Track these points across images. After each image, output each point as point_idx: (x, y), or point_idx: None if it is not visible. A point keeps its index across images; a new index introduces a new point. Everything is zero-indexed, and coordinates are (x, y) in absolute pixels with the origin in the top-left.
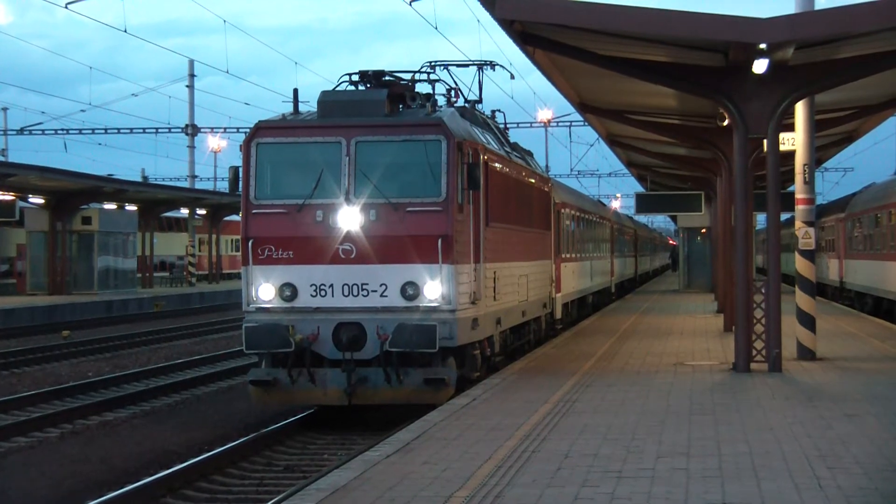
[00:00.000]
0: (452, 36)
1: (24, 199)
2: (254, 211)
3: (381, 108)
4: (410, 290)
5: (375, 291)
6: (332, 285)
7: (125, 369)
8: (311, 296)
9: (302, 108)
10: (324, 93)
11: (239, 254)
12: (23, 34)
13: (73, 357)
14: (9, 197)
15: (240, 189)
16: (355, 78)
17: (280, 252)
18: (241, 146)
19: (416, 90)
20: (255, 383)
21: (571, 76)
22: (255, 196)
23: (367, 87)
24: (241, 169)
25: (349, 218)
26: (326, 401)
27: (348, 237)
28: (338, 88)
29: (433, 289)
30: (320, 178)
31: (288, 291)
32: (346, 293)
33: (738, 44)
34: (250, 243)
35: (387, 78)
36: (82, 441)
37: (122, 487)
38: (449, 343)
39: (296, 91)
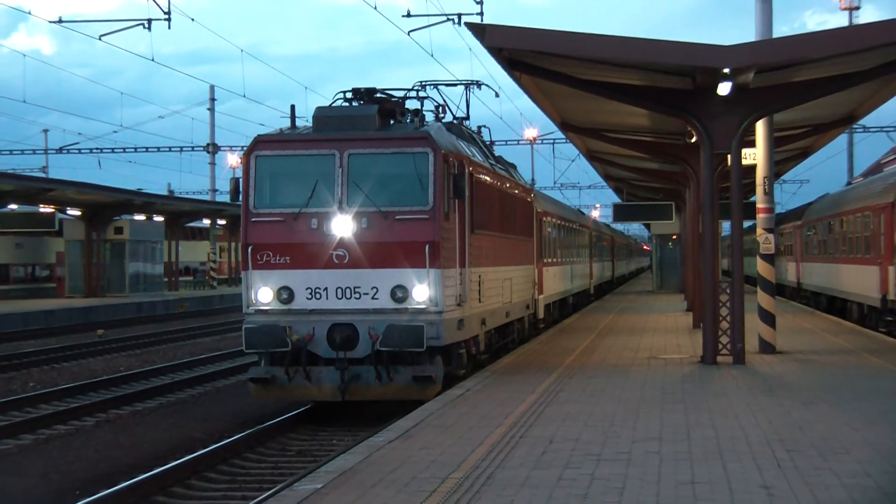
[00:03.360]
0: (447, 62)
1: (63, 212)
2: (253, 219)
3: (372, 122)
4: (400, 293)
5: (367, 294)
6: (326, 289)
7: (153, 364)
8: (307, 298)
9: (299, 123)
10: (318, 108)
11: None
12: (65, 63)
13: (106, 353)
14: (49, 209)
15: (240, 199)
16: (349, 95)
17: (277, 257)
18: (240, 158)
19: (407, 107)
20: (255, 380)
21: (554, 98)
22: (254, 205)
23: (359, 103)
24: (241, 180)
25: (342, 225)
26: (321, 397)
27: (341, 243)
28: (333, 105)
29: (421, 292)
30: (315, 188)
31: (285, 294)
32: (339, 296)
33: (704, 68)
34: (250, 249)
35: (378, 95)
36: (115, 429)
37: (151, 470)
38: (436, 342)
39: (293, 107)
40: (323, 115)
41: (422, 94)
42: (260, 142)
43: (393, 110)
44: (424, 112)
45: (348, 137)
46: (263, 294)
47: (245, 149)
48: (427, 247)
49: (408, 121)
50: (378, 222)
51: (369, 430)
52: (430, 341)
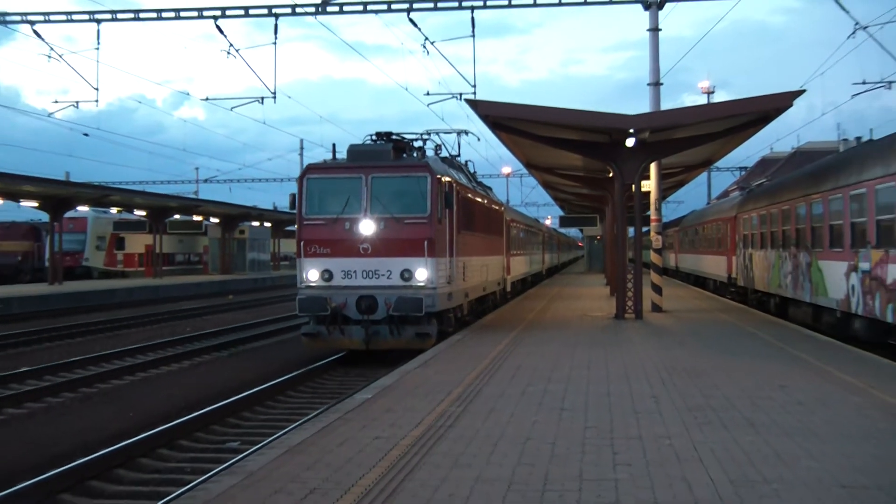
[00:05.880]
0: (452, 123)
1: (207, 220)
2: (305, 222)
3: (388, 155)
4: (406, 275)
5: (384, 275)
6: (355, 271)
7: (264, 317)
8: (342, 278)
9: (338, 156)
10: (352, 145)
11: None
12: (210, 125)
13: (234, 310)
14: (199, 219)
15: (296, 208)
16: (374, 137)
17: (322, 249)
18: (297, 180)
19: (414, 145)
20: (305, 335)
21: (522, 147)
22: (305, 212)
23: (381, 142)
24: (297, 195)
25: (367, 227)
26: (351, 346)
27: (366, 239)
28: (363, 143)
29: (421, 273)
30: (348, 201)
31: (327, 275)
32: (364, 276)
33: (617, 129)
34: (302, 244)
35: (394, 137)
36: (241, 359)
37: (265, 384)
38: (432, 309)
39: (333, 145)
40: (354, 150)
41: (425, 137)
42: (310, 168)
43: (403, 147)
44: (426, 149)
45: (371, 165)
46: (312, 274)
47: (300, 173)
48: (425, 242)
49: (413, 155)
50: (391, 224)
51: (400, 363)
52: (427, 308)
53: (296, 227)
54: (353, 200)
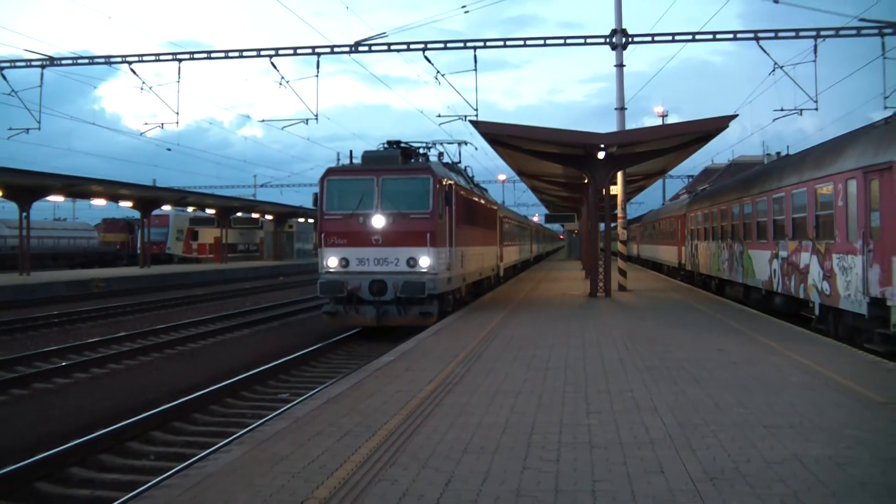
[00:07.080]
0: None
1: (263, 217)
2: (325, 217)
3: (397, 160)
4: (412, 262)
5: (392, 262)
6: (368, 259)
7: (308, 295)
8: (357, 264)
9: (354, 161)
10: (366, 152)
11: None
12: (266, 142)
13: (283, 289)
14: (256, 216)
15: (317, 205)
16: (385, 145)
17: (339, 240)
18: (319, 181)
19: (420, 152)
20: (326, 313)
21: (514, 158)
22: (326, 209)
23: (391, 149)
24: (318, 194)
25: (378, 221)
26: (365, 324)
27: (377, 232)
28: (376, 149)
29: (425, 261)
30: (362, 199)
31: (344, 262)
32: (376, 263)
33: (590, 144)
34: (323, 235)
35: (402, 145)
36: (290, 327)
37: (310, 348)
38: (433, 291)
39: (351, 152)
40: (368, 156)
41: (430, 145)
42: (330, 171)
43: (410, 154)
44: (431, 156)
45: (382, 168)
46: (331, 262)
47: (321, 175)
48: (428, 234)
49: (419, 160)
50: (399, 219)
51: (407, 338)
52: (429, 291)
53: (318, 221)
54: (367, 198)
